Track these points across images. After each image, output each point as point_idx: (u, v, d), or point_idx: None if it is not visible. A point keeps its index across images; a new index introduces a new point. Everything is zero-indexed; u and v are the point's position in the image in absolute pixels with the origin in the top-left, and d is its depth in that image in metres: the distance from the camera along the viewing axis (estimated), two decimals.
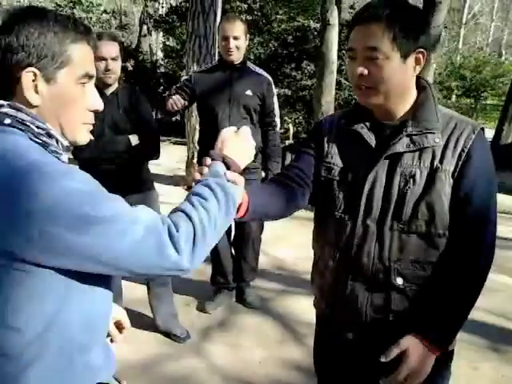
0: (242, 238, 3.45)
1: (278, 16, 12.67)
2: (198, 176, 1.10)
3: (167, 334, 3.04)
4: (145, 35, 16.47)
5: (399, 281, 1.31)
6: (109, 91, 2.72)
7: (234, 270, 3.50)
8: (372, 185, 1.32)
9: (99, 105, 1.04)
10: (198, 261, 0.97)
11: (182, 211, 0.98)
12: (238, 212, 1.22)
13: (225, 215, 1.03)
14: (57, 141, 0.98)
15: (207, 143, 3.01)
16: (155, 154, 2.82)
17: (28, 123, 0.93)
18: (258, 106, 3.18)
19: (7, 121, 0.93)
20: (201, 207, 0.99)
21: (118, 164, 2.65)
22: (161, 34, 15.87)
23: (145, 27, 15.86)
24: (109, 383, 1.08)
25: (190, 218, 0.97)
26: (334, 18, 7.14)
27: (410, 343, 1.25)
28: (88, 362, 1.00)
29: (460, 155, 1.25)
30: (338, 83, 11.84)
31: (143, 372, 2.69)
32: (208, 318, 3.33)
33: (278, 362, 2.84)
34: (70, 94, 0.98)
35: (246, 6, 12.61)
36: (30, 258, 0.86)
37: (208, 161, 1.12)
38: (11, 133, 0.92)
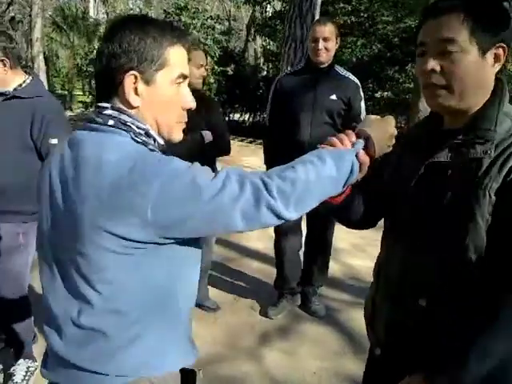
0: (314, 241, 3.38)
1: (384, 18, 12.32)
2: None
3: (199, 306, 3.28)
4: (252, 39, 16.86)
5: (422, 302, 1.19)
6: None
7: (302, 273, 3.45)
8: (411, 194, 1.22)
9: (192, 103, 1.10)
10: (295, 210, 0.99)
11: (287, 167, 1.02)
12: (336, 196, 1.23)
13: (330, 183, 1.05)
14: (154, 140, 1.06)
15: (283, 149, 3.10)
16: (226, 151, 3.03)
17: (129, 124, 1.02)
18: (343, 110, 3.09)
19: (111, 122, 1.01)
20: (306, 167, 1.01)
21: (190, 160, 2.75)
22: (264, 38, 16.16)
23: (253, 31, 16.24)
24: (194, 370, 1.16)
25: (292, 170, 1.00)
26: None
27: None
28: (178, 344, 1.12)
29: (510, 171, 1.06)
30: None
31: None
32: (270, 323, 3.31)
33: (333, 375, 2.76)
34: (167, 95, 1.05)
35: (350, 7, 12.43)
36: (143, 239, 0.94)
37: (352, 137, 1.15)
38: (115, 133, 1.01)
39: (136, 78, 1.01)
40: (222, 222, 0.97)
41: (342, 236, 4.38)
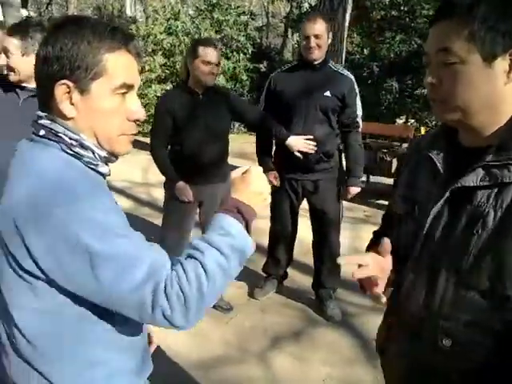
0: (320, 242, 3.34)
1: (424, 11, 11.93)
2: None
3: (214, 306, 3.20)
4: (290, 35, 16.74)
5: (447, 342, 1.04)
6: (201, 91, 2.92)
7: (314, 275, 3.44)
8: (433, 222, 1.07)
9: (140, 114, 1.00)
10: (193, 319, 0.92)
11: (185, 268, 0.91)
12: None
13: (229, 276, 0.98)
14: (93, 152, 0.97)
15: (277, 147, 3.21)
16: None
17: (61, 134, 0.94)
18: (338, 107, 3.04)
19: (42, 132, 0.94)
20: (203, 269, 0.92)
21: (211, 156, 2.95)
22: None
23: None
24: None
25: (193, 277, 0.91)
26: None
27: None
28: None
29: None
30: None
31: (201, 371, 2.69)
32: (282, 326, 3.21)
33: (343, 383, 2.63)
34: (105, 106, 0.95)
35: (388, 0, 12.12)
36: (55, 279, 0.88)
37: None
38: (44, 144, 0.94)
39: (69, 87, 0.92)
40: (116, 305, 0.90)
41: (361, 235, 4.21)
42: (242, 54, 10.77)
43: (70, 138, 0.93)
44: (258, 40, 12.74)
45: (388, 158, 5.99)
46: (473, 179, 0.99)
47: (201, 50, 2.81)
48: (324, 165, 3.12)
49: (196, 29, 10.50)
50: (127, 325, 0.99)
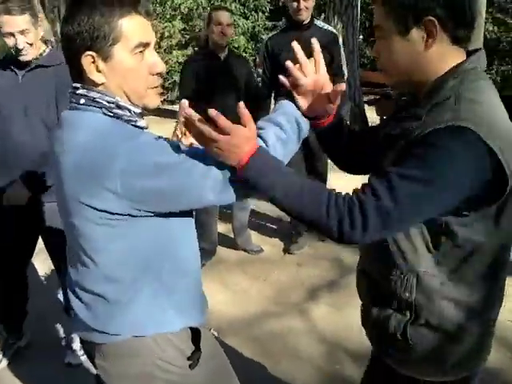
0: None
1: None
2: None
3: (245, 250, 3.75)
4: None
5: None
6: (222, 55, 3.27)
7: None
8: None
9: (161, 67, 1.11)
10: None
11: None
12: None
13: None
14: (129, 110, 1.09)
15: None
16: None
17: (98, 99, 1.06)
18: (327, 59, 3.21)
19: (82, 100, 1.06)
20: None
21: None
22: None
23: None
24: (199, 328, 1.21)
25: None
26: None
27: None
28: (178, 303, 1.17)
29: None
30: (504, 23, 10.47)
31: (244, 326, 2.85)
32: (318, 278, 3.36)
33: None
34: (128, 66, 1.05)
35: None
36: (119, 211, 1.01)
37: None
38: (87, 110, 1.06)
39: (93, 57, 1.02)
40: (193, 197, 1.03)
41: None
42: (260, 13, 10.64)
43: (108, 102, 1.05)
44: None
45: None
46: (394, 128, 1.14)
47: (213, 14, 3.22)
48: None
49: None
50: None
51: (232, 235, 3.83)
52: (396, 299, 1.16)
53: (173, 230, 1.13)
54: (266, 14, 10.83)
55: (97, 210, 1.00)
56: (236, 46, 9.84)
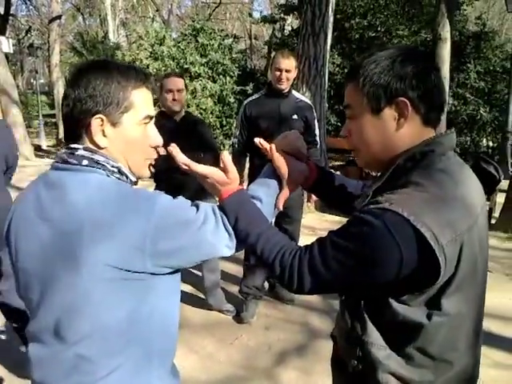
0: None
1: (400, 32, 12.35)
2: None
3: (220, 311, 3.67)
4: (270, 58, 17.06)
5: None
6: (178, 117, 3.33)
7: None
8: None
9: (160, 141, 1.16)
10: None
11: None
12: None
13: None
14: (127, 177, 1.12)
15: (258, 161, 3.52)
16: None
17: (103, 162, 1.07)
18: (302, 128, 3.55)
19: (85, 162, 1.06)
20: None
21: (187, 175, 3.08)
22: None
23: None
24: None
25: None
26: (445, 31, 6.77)
27: None
28: (160, 378, 1.14)
29: None
30: (463, 98, 11.23)
31: None
32: (286, 342, 3.34)
33: None
34: (134, 135, 1.10)
35: (365, 22, 12.49)
36: (139, 268, 1.00)
37: None
38: (91, 172, 1.06)
39: (102, 120, 1.06)
40: (208, 250, 1.08)
41: None
42: (228, 77, 10.99)
43: (112, 166, 1.08)
44: (243, 62, 12.98)
45: None
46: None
47: (164, 81, 3.29)
48: None
49: (181, 53, 10.71)
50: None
51: (199, 295, 3.78)
52: (349, 366, 1.17)
53: (166, 296, 1.13)
54: (234, 78, 11.22)
55: (117, 268, 0.98)
56: (203, 107, 10.08)
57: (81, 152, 1.06)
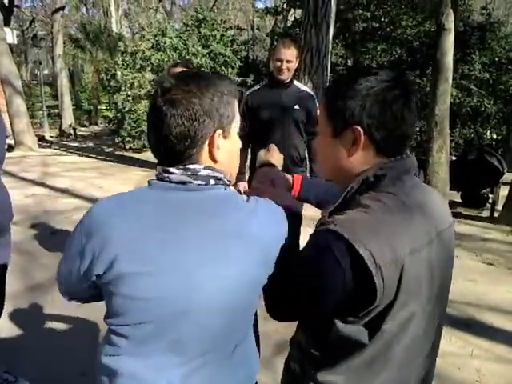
0: None
1: (403, 22, 12.25)
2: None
3: None
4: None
5: None
6: None
7: None
8: None
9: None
10: None
11: None
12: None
13: None
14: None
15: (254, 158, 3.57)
16: None
17: (224, 179, 1.09)
18: (304, 118, 3.52)
19: (212, 182, 1.06)
20: None
21: None
22: None
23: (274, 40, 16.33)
24: None
25: None
26: (449, 22, 6.68)
27: None
28: None
29: None
30: (467, 89, 11.15)
31: None
32: (284, 333, 3.33)
33: None
34: (238, 144, 1.15)
35: (369, 14, 12.40)
36: None
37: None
38: (218, 189, 1.07)
39: (219, 134, 1.05)
40: None
41: None
42: (230, 69, 10.94)
43: (228, 181, 1.10)
44: (245, 53, 12.91)
45: None
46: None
47: (171, 71, 3.24)
48: (299, 169, 3.57)
49: (184, 44, 10.66)
50: None
51: None
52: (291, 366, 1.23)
53: None
54: (236, 69, 11.16)
55: None
56: None
57: (204, 172, 1.05)
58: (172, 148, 1.03)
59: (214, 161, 1.07)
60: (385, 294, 0.95)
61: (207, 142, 1.04)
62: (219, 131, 1.05)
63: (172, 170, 1.04)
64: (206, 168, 1.05)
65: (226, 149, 1.08)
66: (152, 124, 1.05)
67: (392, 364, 1.05)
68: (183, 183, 1.03)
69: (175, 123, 1.00)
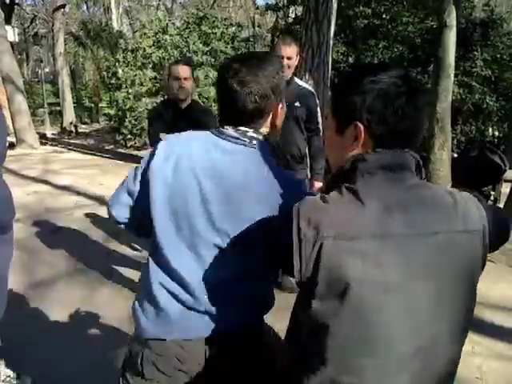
0: None
1: (405, 19, 12.20)
2: None
3: None
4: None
5: None
6: (183, 105, 3.37)
7: None
8: None
9: None
10: None
11: None
12: None
13: None
14: None
15: None
16: None
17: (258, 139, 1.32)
18: (305, 115, 3.52)
19: (254, 142, 1.28)
20: None
21: None
22: None
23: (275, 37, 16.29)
24: None
25: None
26: (451, 18, 6.65)
27: None
28: None
29: None
30: (469, 86, 11.12)
31: None
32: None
33: None
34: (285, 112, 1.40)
35: (370, 10, 12.36)
36: None
37: None
38: (253, 147, 1.29)
39: (281, 108, 1.31)
40: None
41: None
42: None
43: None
44: (246, 51, 12.89)
45: None
46: None
47: (171, 68, 3.31)
48: (300, 165, 3.61)
49: (184, 42, 10.64)
50: None
51: None
52: None
53: None
54: None
55: None
56: (206, 96, 10.02)
57: (250, 134, 1.28)
58: (245, 119, 1.27)
59: (275, 127, 1.32)
60: (302, 268, 0.99)
61: (273, 113, 1.29)
62: (280, 104, 1.30)
63: (249, 132, 1.29)
64: (254, 131, 1.29)
65: (282, 116, 1.33)
66: (224, 100, 1.29)
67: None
68: (236, 138, 1.28)
69: (249, 100, 1.23)
